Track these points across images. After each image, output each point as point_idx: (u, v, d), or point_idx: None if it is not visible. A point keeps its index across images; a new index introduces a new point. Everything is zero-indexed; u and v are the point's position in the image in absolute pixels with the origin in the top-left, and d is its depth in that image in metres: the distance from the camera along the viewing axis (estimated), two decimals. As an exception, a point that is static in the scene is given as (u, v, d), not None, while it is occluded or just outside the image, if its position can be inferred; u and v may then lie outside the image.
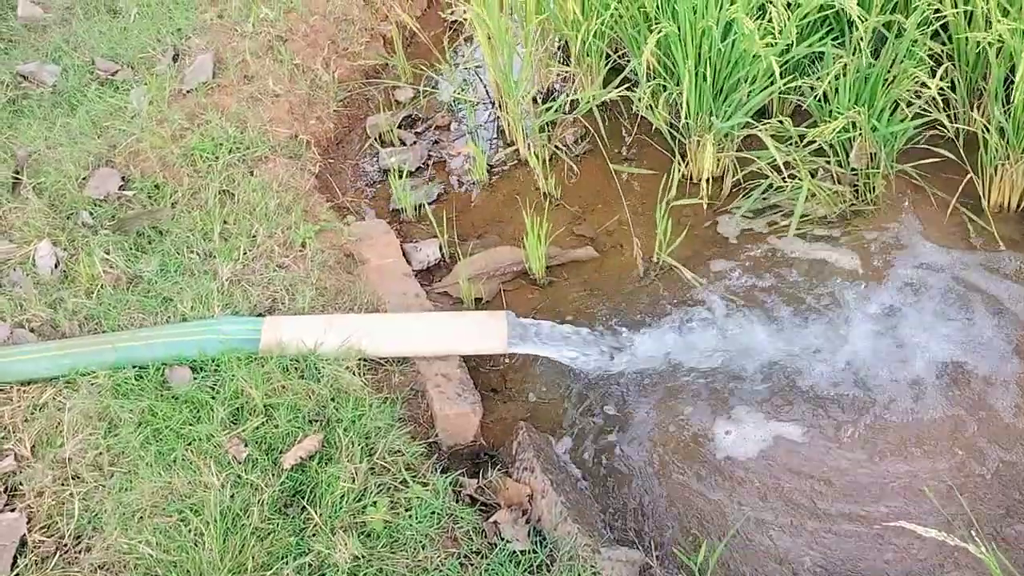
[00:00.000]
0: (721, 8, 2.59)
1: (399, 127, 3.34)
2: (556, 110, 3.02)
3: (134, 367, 2.17)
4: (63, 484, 1.94)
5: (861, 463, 2.15)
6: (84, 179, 2.74)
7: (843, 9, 2.64)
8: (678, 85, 2.76)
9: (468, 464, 2.20)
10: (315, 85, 3.28)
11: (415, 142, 3.32)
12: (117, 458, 1.99)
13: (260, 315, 2.37)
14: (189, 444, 2.00)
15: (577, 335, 2.50)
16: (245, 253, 2.53)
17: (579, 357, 2.45)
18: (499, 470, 2.13)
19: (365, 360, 2.29)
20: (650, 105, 2.84)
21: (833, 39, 2.77)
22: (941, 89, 2.56)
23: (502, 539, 1.91)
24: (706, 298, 2.59)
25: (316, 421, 2.09)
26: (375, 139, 3.30)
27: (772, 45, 2.56)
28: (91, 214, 2.64)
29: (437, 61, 3.61)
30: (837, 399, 2.29)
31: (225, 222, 2.63)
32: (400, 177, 3.00)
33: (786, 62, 2.67)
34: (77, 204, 2.67)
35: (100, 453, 2.00)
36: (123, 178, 2.74)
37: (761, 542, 2.02)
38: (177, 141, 2.85)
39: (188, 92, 3.04)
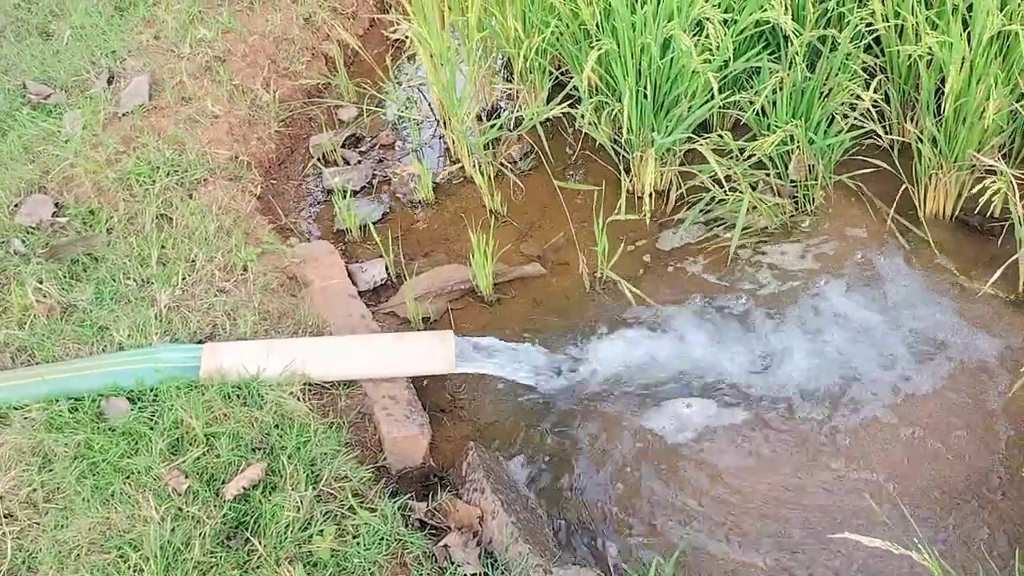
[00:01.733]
0: (659, 25, 2.62)
1: (343, 146, 3.32)
2: (500, 127, 3.02)
3: (69, 399, 2.10)
4: (-6, 524, 1.87)
5: (807, 469, 2.17)
6: (16, 206, 2.66)
7: (778, 24, 2.68)
8: (619, 101, 2.78)
9: (418, 487, 2.17)
10: (255, 105, 3.24)
11: (359, 161, 3.29)
12: (52, 494, 1.92)
13: (200, 342, 2.31)
14: (127, 477, 1.94)
15: (525, 352, 2.49)
16: (184, 279, 2.48)
17: (528, 374, 2.44)
18: (449, 492, 2.11)
19: (310, 385, 2.25)
20: (593, 121, 2.85)
21: (769, 54, 2.82)
22: (875, 101, 2.61)
23: (452, 563, 1.89)
24: (651, 311, 2.61)
25: (259, 449, 2.04)
26: (318, 159, 3.26)
27: (710, 61, 2.59)
28: (23, 242, 2.56)
29: (380, 80, 3.59)
30: (783, 408, 2.32)
31: (163, 247, 2.57)
32: (344, 197, 2.97)
33: (724, 77, 2.70)
34: (8, 232, 2.59)
35: (34, 490, 1.93)
36: (56, 204, 2.67)
37: (714, 554, 2.03)
38: (112, 165, 2.78)
39: (124, 115, 2.97)
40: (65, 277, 2.45)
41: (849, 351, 2.44)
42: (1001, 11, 2.40)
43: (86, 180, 2.71)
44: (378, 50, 3.80)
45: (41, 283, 2.40)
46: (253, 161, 3.06)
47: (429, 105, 3.51)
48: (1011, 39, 2.44)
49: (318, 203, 3.14)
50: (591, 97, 2.81)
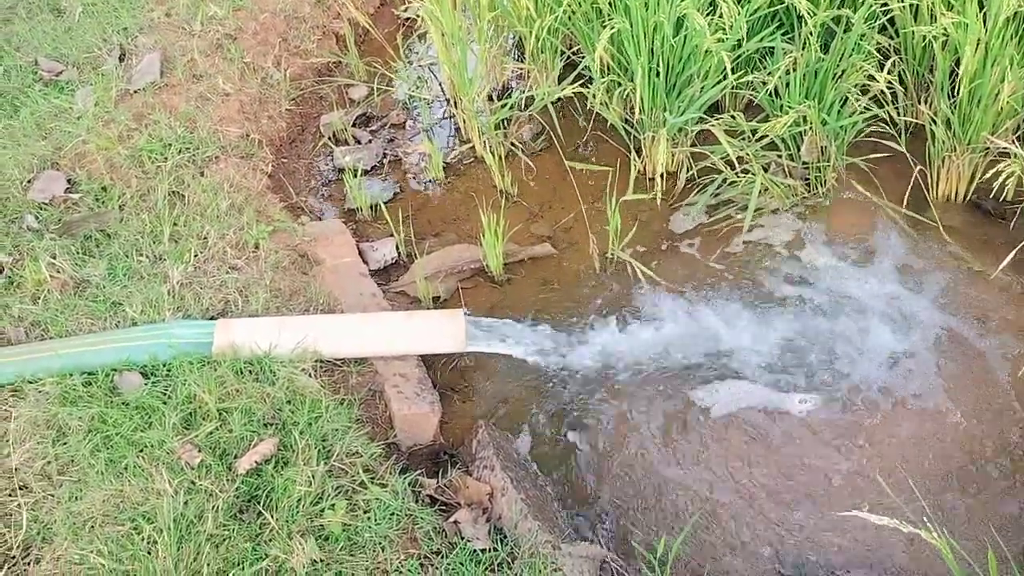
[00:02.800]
0: (672, 4, 2.60)
1: (353, 125, 3.31)
2: (511, 107, 3.01)
3: (82, 374, 2.12)
4: (10, 495, 1.89)
5: (819, 449, 2.18)
6: (28, 182, 2.67)
7: (792, 4, 2.67)
8: (631, 81, 2.77)
9: (428, 464, 2.19)
10: (266, 84, 3.24)
11: (370, 140, 3.29)
12: (66, 467, 1.94)
13: (212, 318, 2.33)
14: (140, 451, 1.96)
15: (535, 331, 2.50)
16: (196, 255, 2.49)
17: (538, 353, 2.45)
18: (459, 469, 2.12)
19: (321, 362, 2.26)
20: (604, 101, 2.84)
21: (783, 34, 2.80)
22: (889, 83, 2.60)
23: (462, 538, 1.90)
24: (661, 293, 2.60)
25: (271, 424, 2.06)
26: (329, 138, 3.26)
27: (723, 40, 2.58)
28: (36, 218, 2.57)
29: (391, 59, 3.58)
30: (792, 385, 2.32)
31: (175, 224, 2.58)
32: (356, 176, 2.98)
33: (737, 57, 2.69)
34: (21, 208, 2.60)
35: (48, 462, 1.94)
36: (69, 181, 2.68)
37: (718, 532, 2.04)
38: (124, 142, 2.79)
39: (135, 92, 2.98)
40: (78, 253, 2.46)
41: (858, 333, 2.44)
42: (1018, -8, 2.38)
43: (98, 156, 2.72)
44: (388, 29, 3.79)
45: (55, 258, 2.41)
46: (264, 139, 3.06)
47: (440, 85, 3.50)
48: (1028, 20, 2.42)
49: (329, 182, 3.14)
50: (603, 77, 2.80)
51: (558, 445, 2.27)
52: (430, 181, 3.08)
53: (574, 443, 2.26)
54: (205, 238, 2.55)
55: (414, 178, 3.11)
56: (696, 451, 2.21)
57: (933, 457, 2.14)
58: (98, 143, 2.74)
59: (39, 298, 2.34)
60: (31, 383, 2.11)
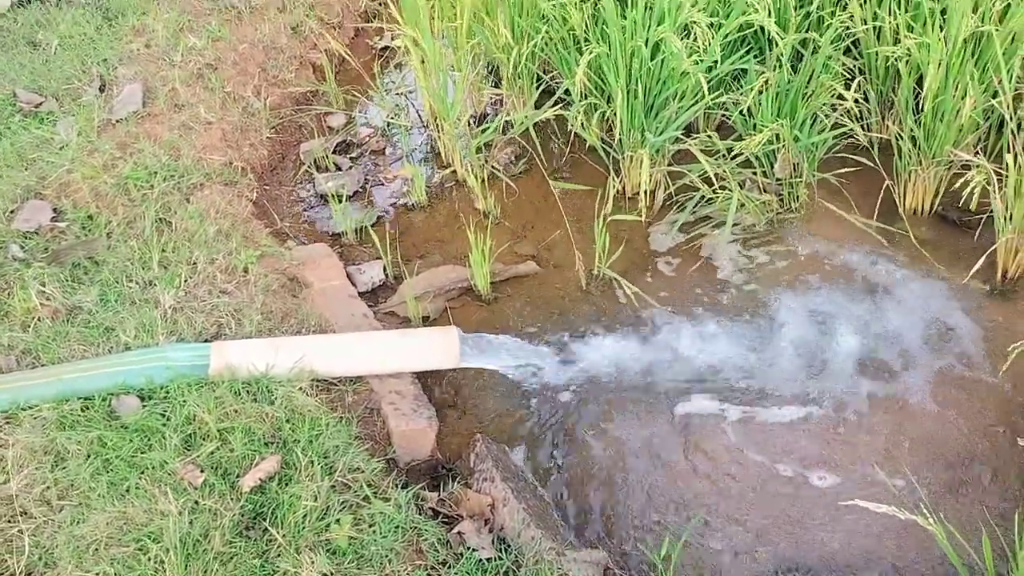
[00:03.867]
0: (649, 29, 2.70)
1: (334, 152, 3.35)
2: (492, 131, 3.08)
3: (79, 399, 2.11)
4: (10, 521, 1.87)
5: (801, 456, 2.25)
6: (12, 212, 2.67)
7: (762, 28, 2.79)
8: (610, 103, 2.86)
9: (427, 478, 2.21)
10: (247, 112, 3.27)
11: (351, 167, 3.33)
12: (66, 491, 1.93)
13: (206, 341, 2.33)
14: (142, 473, 1.96)
15: (526, 347, 2.54)
16: (187, 280, 2.50)
17: (529, 368, 2.49)
18: (458, 482, 2.15)
19: (317, 381, 2.28)
20: (584, 123, 2.92)
21: (754, 56, 2.92)
22: (856, 100, 2.72)
23: (468, 548, 1.93)
24: (646, 308, 2.67)
25: (272, 443, 2.07)
26: (310, 165, 3.30)
27: (699, 63, 2.68)
28: (21, 247, 2.56)
29: (368, 87, 3.64)
30: (773, 396, 2.39)
31: (163, 250, 2.59)
32: (340, 201, 3.01)
33: (711, 79, 2.79)
34: (6, 238, 2.59)
35: (48, 487, 1.93)
36: (54, 210, 2.68)
37: (716, 537, 2.09)
38: (109, 171, 2.79)
39: (118, 122, 2.99)
40: (67, 280, 2.46)
41: (837, 341, 2.52)
42: (974, 13, 2.52)
43: (84, 185, 2.72)
44: (364, 59, 3.85)
45: (44, 286, 2.41)
46: (247, 167, 3.09)
47: (417, 111, 3.56)
48: (984, 39, 2.55)
49: (312, 207, 3.17)
50: (582, 100, 2.88)
51: (552, 456, 2.31)
52: (413, 205, 3.13)
53: (568, 452, 2.30)
54: (194, 263, 2.56)
55: (397, 202, 3.16)
56: (686, 458, 2.26)
57: (916, 458, 2.22)
58: (83, 172, 2.75)
59: (29, 326, 2.33)
60: (25, 410, 2.09)
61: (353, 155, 3.40)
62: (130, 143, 2.90)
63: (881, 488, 2.15)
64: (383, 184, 3.24)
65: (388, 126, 3.51)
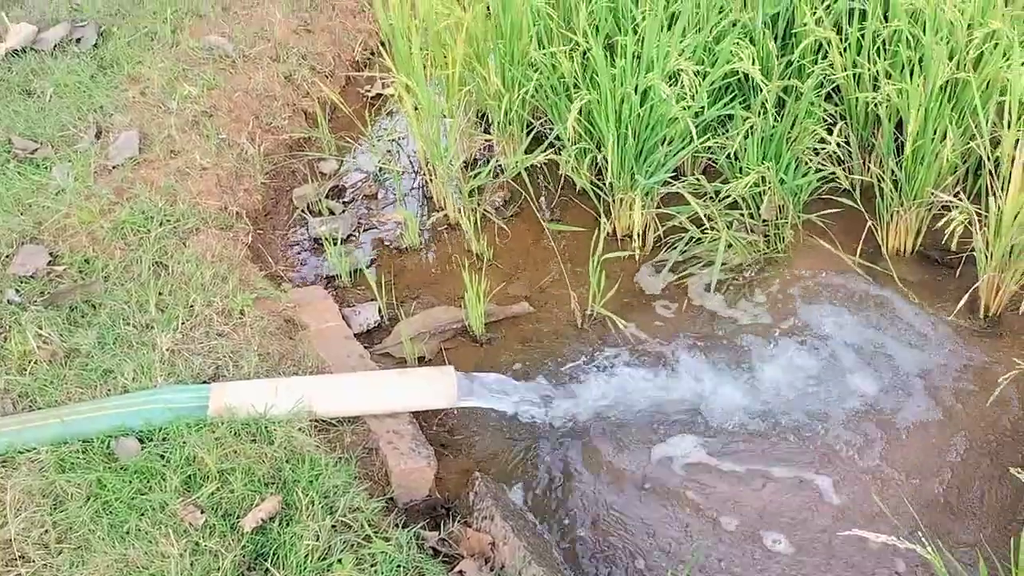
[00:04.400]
0: (638, 76, 2.78)
1: (327, 197, 3.40)
2: (485, 175, 3.14)
3: (78, 441, 2.11)
4: (8, 566, 1.85)
5: (791, 489, 2.28)
6: (8, 257, 2.68)
7: (747, 75, 2.88)
8: (599, 148, 2.93)
9: (426, 517, 2.21)
10: (242, 158, 3.31)
11: (344, 211, 3.37)
12: (65, 534, 1.92)
13: (204, 383, 2.34)
14: (142, 515, 1.95)
15: (521, 386, 2.57)
16: (184, 323, 2.51)
17: (525, 408, 2.51)
18: (458, 521, 2.15)
19: (316, 421, 2.29)
20: (575, 167, 2.99)
21: (739, 102, 3.01)
22: (838, 144, 2.81)
23: (470, 587, 1.93)
24: (639, 347, 2.71)
25: (272, 483, 2.07)
26: (303, 209, 3.34)
27: (687, 109, 2.76)
28: (17, 291, 2.57)
29: (360, 134, 3.70)
30: (764, 434, 2.42)
31: (160, 293, 2.60)
32: (333, 244, 3.05)
33: (699, 124, 2.87)
34: (2, 283, 2.60)
35: (46, 531, 1.92)
36: (51, 254, 2.69)
37: (714, 570, 2.11)
38: (106, 215, 2.82)
39: (114, 168, 3.02)
40: (65, 323, 2.46)
41: (823, 380, 2.57)
42: (950, 60, 2.62)
43: (80, 230, 2.74)
44: (355, 106, 3.92)
45: (41, 330, 2.41)
46: (242, 211, 3.12)
47: (408, 157, 3.62)
48: (961, 86, 2.65)
49: (306, 251, 3.20)
50: (574, 144, 2.95)
51: (551, 494, 2.32)
52: (406, 248, 3.17)
53: (566, 492, 2.32)
54: (191, 306, 2.57)
55: (391, 245, 3.20)
56: (685, 497, 2.28)
57: (904, 490, 2.25)
58: (80, 217, 2.77)
59: (26, 370, 2.33)
60: (22, 453, 2.09)
61: (346, 199, 3.45)
62: (127, 188, 2.93)
63: (877, 519, 2.17)
64: (376, 228, 3.28)
65: (380, 171, 3.56)
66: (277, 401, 2.26)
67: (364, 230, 3.28)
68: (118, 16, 3.87)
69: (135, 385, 2.29)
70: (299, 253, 3.19)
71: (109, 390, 2.28)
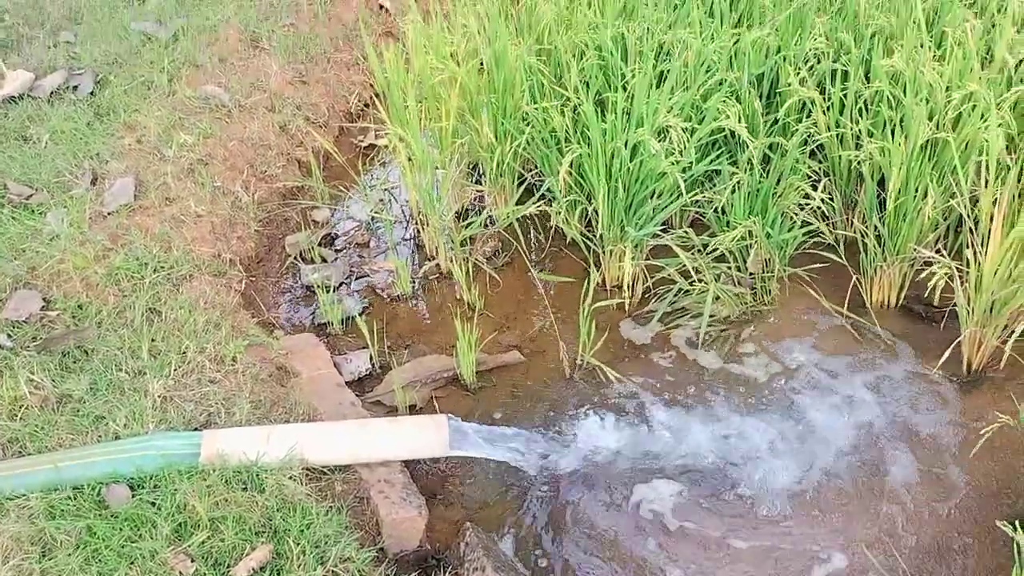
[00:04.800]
0: (628, 131, 2.85)
1: (319, 245, 3.43)
2: (478, 225, 3.18)
3: (69, 488, 2.10)
4: (-6, 614, 1.84)
5: (775, 533, 2.29)
6: (1, 302, 2.68)
7: (733, 132, 2.96)
8: (589, 200, 2.99)
9: (417, 569, 2.21)
10: (236, 206, 3.35)
11: (336, 259, 3.40)
12: (54, 583, 1.90)
13: (196, 430, 2.34)
14: (132, 563, 1.94)
15: (512, 436, 2.58)
16: (176, 369, 2.52)
17: (516, 457, 2.52)
18: (448, 572, 2.15)
19: (307, 469, 2.29)
20: (566, 219, 3.04)
21: (726, 157, 3.08)
22: (822, 200, 2.88)
23: (461, 638, 1.92)
24: (627, 398, 2.74)
25: (263, 532, 2.06)
26: (296, 257, 3.37)
27: (675, 164, 2.83)
28: (10, 336, 2.57)
29: (352, 183, 3.75)
30: (752, 488, 2.44)
31: (153, 340, 2.61)
32: (325, 292, 3.07)
33: (688, 179, 2.94)
34: (-7, 327, 2.60)
35: (34, 579, 1.91)
36: (45, 299, 2.70)
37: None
38: (100, 261, 2.83)
39: (109, 214, 3.04)
40: (57, 369, 2.46)
41: (807, 433, 2.60)
42: (930, 120, 2.71)
43: (74, 276, 2.76)
44: (348, 156, 3.97)
45: (33, 375, 2.41)
46: (235, 258, 3.15)
47: (401, 207, 3.67)
48: (941, 145, 2.74)
49: (298, 298, 3.22)
50: (565, 196, 3.00)
51: (541, 545, 2.32)
52: (398, 296, 3.19)
53: (556, 542, 2.32)
54: (184, 352, 2.58)
55: (382, 293, 3.22)
56: (676, 545, 2.29)
57: (893, 543, 2.27)
58: (74, 262, 2.78)
59: (17, 415, 2.32)
60: (11, 499, 2.07)
61: (338, 247, 3.48)
62: (121, 235, 2.95)
63: (869, 573, 2.19)
64: (368, 275, 3.31)
65: (372, 220, 3.61)
66: (268, 449, 2.26)
67: (356, 278, 3.31)
68: (115, 65, 3.93)
69: (127, 432, 2.29)
70: (291, 300, 3.21)
71: (100, 436, 2.28)
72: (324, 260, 3.38)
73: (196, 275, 2.93)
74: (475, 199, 3.60)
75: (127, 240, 2.93)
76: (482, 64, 3.28)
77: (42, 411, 2.33)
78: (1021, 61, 2.89)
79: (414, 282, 3.24)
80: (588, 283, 2.87)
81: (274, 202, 3.57)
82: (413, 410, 2.71)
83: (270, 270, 3.33)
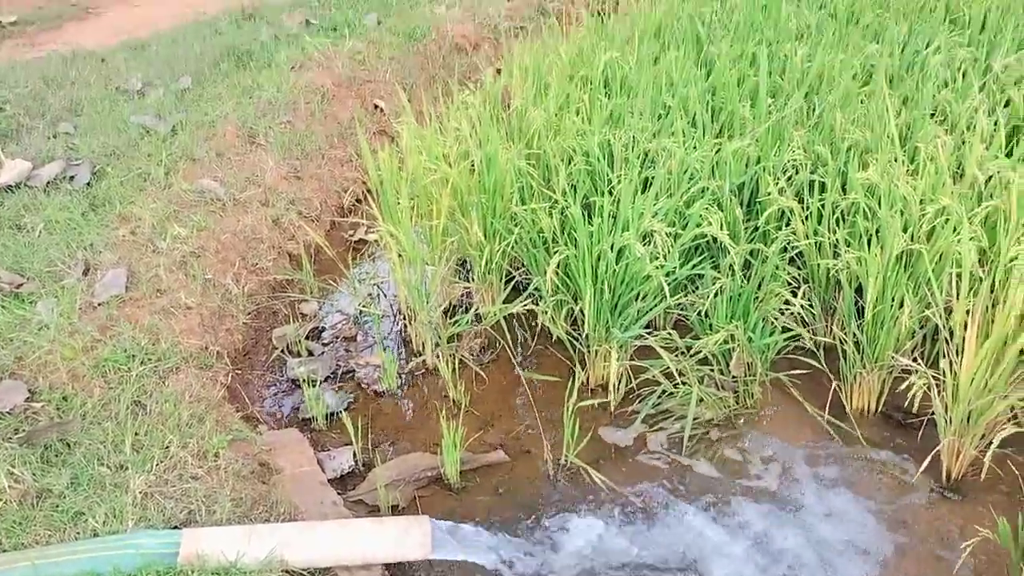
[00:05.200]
0: (614, 234, 2.93)
1: (306, 338, 3.45)
2: (465, 322, 3.23)
3: (42, 587, 2.06)
4: None
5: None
6: (-15, 391, 2.68)
7: (715, 237, 3.04)
8: (575, 300, 3.05)
9: (396, 677, 2.16)
10: (225, 298, 3.38)
11: (323, 352, 3.42)
12: None
13: (175, 527, 2.32)
14: (104, 669, 1.89)
15: (496, 538, 2.56)
16: (158, 464, 2.50)
17: (499, 561, 2.50)
18: None
19: (287, 572, 2.26)
20: (553, 318, 3.09)
21: (709, 260, 3.16)
22: (802, 306, 2.95)
23: None
24: (612, 500, 2.73)
25: (241, 637, 2.03)
26: (282, 350, 3.38)
27: (660, 268, 2.90)
28: (-9, 427, 2.56)
29: (342, 276, 3.80)
30: (744, 592, 2.43)
31: (137, 433, 2.60)
32: (311, 386, 3.08)
33: (672, 282, 3.01)
34: (-24, 418, 2.59)
35: None
36: (30, 390, 2.69)
37: None
38: (88, 353, 2.84)
39: (99, 305, 3.07)
40: (38, 462, 2.44)
41: (787, 541, 2.60)
42: (905, 232, 2.81)
43: (62, 366, 2.76)
44: (339, 249, 4.04)
45: (14, 468, 2.39)
46: (222, 351, 3.16)
47: (389, 302, 3.71)
48: (916, 256, 2.83)
49: (283, 392, 3.23)
50: (551, 296, 3.06)
51: (523, 654, 2.28)
52: (384, 391, 3.21)
53: (539, 652, 2.28)
54: (167, 447, 2.57)
55: (368, 388, 3.23)
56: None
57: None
58: (62, 353, 2.79)
59: (-6, 509, 2.29)
60: (-17, 599, 2.03)
61: (325, 341, 3.51)
62: (111, 326, 2.97)
63: None
64: (355, 370, 3.33)
65: (360, 314, 3.64)
66: (248, 549, 2.24)
67: (342, 372, 3.32)
68: (113, 156, 4.01)
69: (105, 529, 2.26)
70: (276, 394, 3.21)
71: (79, 533, 2.25)
72: (311, 353, 3.40)
73: (183, 367, 2.94)
74: (463, 295, 3.66)
75: (116, 331, 2.95)
76: (473, 165, 3.38)
77: (21, 506, 2.30)
78: (990, 177, 3.01)
79: (400, 378, 3.26)
80: (573, 382, 2.90)
81: (264, 294, 3.62)
82: (396, 510, 2.70)
83: (256, 363, 3.35)
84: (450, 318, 3.38)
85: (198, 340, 3.10)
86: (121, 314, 3.05)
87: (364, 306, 3.66)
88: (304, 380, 3.14)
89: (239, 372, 3.23)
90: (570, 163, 3.39)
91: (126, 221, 3.55)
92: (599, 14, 5.26)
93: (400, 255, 3.24)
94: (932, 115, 3.56)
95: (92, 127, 4.28)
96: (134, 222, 3.54)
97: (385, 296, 3.75)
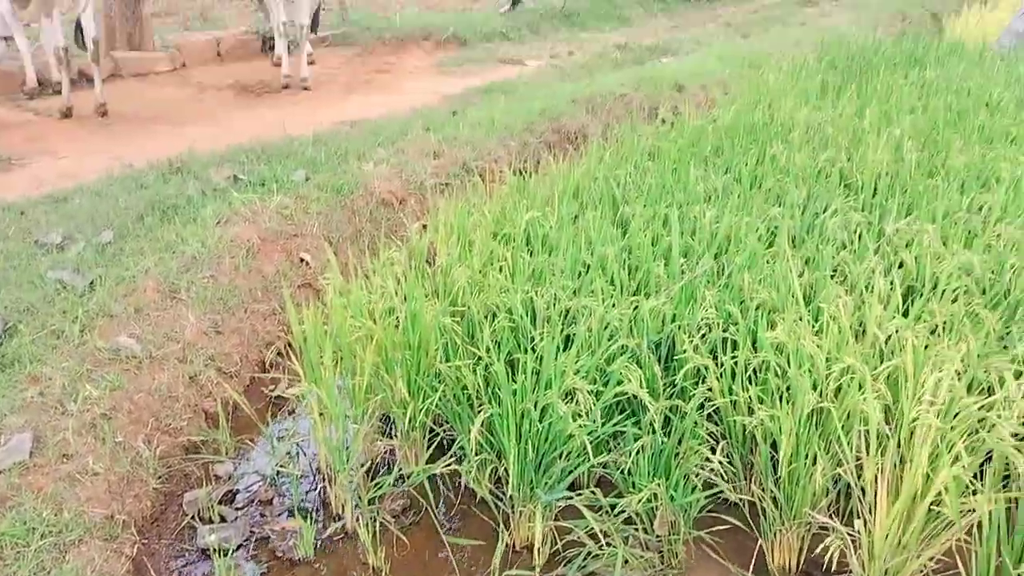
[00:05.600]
0: (537, 392, 2.97)
1: (220, 502, 3.32)
2: (388, 485, 3.16)
3: None
4: None
5: None
6: None
7: (633, 395, 3.11)
8: (500, 459, 3.04)
9: None
10: (135, 462, 3.25)
11: (237, 518, 3.29)
12: None
13: None
14: None
15: None
16: (52, 651, 2.33)
17: None
18: None
19: None
20: (476, 477, 3.07)
21: (631, 418, 3.21)
22: (721, 462, 2.99)
23: None
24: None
25: None
26: (193, 516, 3.24)
27: (583, 426, 2.93)
28: None
29: (260, 434, 3.71)
30: None
31: (30, 616, 2.43)
32: (222, 556, 2.94)
33: (594, 440, 3.03)
34: None
35: None
36: (-87, 569, 2.51)
37: None
38: (-17, 527, 2.68)
39: (1, 473, 2.92)
40: (-85, 653, 2.25)
41: None
42: (814, 390, 2.92)
43: (-49, 542, 2.59)
44: (258, 406, 3.96)
45: None
46: (129, 519, 3.02)
47: (308, 461, 3.62)
48: (825, 413, 2.93)
49: (192, 563, 3.07)
50: (475, 455, 3.04)
51: None
52: (300, 559, 3.08)
53: None
54: (63, 630, 2.40)
55: (283, 557, 3.10)
56: None
57: None
58: (-47, 528, 2.63)
59: None
60: None
61: (239, 505, 3.38)
62: (11, 496, 2.81)
63: None
64: (270, 536, 3.20)
65: (277, 475, 3.54)
66: None
67: (256, 539, 3.19)
68: (26, 313, 3.91)
69: None
70: (185, 565, 3.05)
71: None
72: (223, 519, 3.26)
73: (86, 539, 2.79)
74: (386, 453, 3.60)
75: (16, 502, 2.80)
76: (398, 322, 3.41)
77: None
78: (889, 336, 3.18)
79: (317, 543, 3.14)
80: (497, 546, 2.84)
81: (177, 456, 3.49)
82: None
83: (165, 531, 3.19)
84: (372, 478, 3.31)
85: (104, 509, 2.95)
86: (23, 482, 2.90)
87: (282, 466, 3.56)
88: (215, 549, 3.00)
89: (146, 542, 3.07)
90: (494, 319, 3.45)
91: (36, 381, 3.43)
92: (520, 172, 5.49)
93: (321, 413, 3.20)
94: (832, 275, 3.77)
95: (6, 282, 4.18)
96: (44, 382, 3.42)
97: (304, 455, 3.66)
